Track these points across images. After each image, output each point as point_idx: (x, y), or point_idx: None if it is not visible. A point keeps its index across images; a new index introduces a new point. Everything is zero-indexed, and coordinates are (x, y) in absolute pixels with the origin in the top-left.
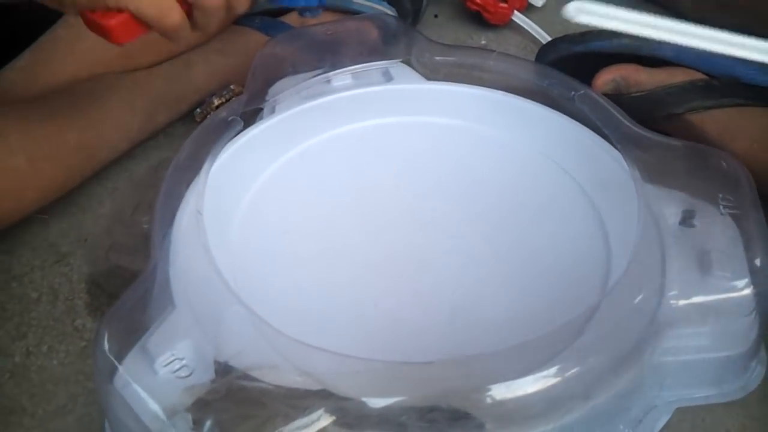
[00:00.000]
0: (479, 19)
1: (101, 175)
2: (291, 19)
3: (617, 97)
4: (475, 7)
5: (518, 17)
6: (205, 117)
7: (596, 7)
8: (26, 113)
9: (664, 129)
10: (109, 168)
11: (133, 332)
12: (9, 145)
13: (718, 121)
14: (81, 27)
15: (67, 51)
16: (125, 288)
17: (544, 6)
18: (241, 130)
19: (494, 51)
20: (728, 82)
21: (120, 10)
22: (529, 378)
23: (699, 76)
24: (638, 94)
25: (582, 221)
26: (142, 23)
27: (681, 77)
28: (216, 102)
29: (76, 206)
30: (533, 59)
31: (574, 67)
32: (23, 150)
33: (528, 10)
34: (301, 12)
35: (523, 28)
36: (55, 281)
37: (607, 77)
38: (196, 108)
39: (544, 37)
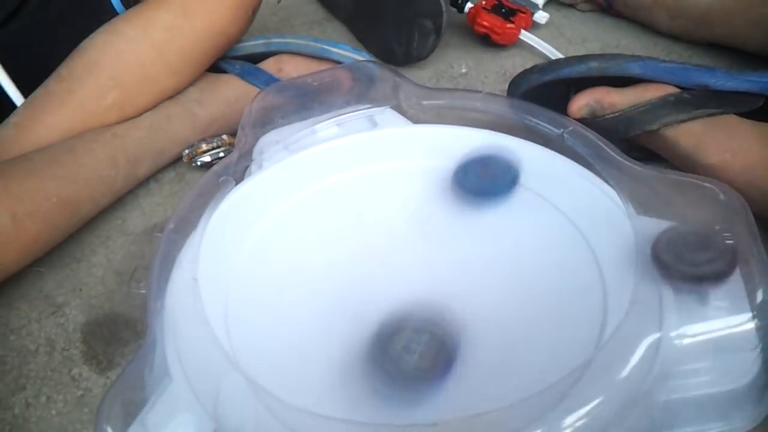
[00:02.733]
0: (458, 47)
1: (93, 225)
2: (269, 65)
3: (593, 121)
4: (483, 30)
5: (526, 36)
6: (192, 159)
7: None
8: (8, 171)
9: (642, 147)
10: (99, 217)
11: (131, 408)
12: None
13: (692, 133)
14: (73, 80)
15: (60, 105)
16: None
17: (547, 23)
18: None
19: (480, 92)
20: (699, 92)
21: None
22: None
23: (670, 90)
24: (612, 116)
25: (577, 259)
26: None
27: (653, 93)
28: (204, 147)
29: (70, 257)
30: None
31: (547, 95)
32: (6, 208)
33: (533, 28)
34: None
35: (532, 46)
36: (51, 332)
37: (581, 102)
38: (184, 149)
39: (553, 53)
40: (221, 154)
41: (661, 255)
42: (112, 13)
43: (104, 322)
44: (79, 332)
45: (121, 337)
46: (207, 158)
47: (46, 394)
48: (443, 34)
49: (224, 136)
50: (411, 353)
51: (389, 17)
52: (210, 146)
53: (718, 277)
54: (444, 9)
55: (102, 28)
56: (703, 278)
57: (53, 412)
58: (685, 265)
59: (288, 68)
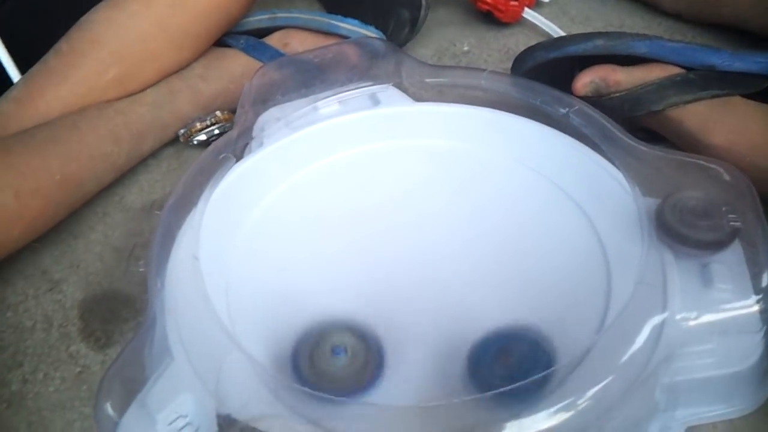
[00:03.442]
0: (460, 25)
1: (91, 201)
2: (274, 39)
3: (597, 100)
4: (486, 7)
5: (529, 14)
6: (188, 138)
7: None
8: (10, 147)
9: (645, 127)
10: (97, 193)
11: (132, 386)
12: None
13: (697, 114)
14: (74, 55)
15: (61, 80)
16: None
17: (551, 1)
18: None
19: (485, 70)
20: (705, 73)
21: None
22: (542, 414)
23: (676, 70)
24: (617, 95)
25: (581, 239)
26: None
27: (658, 73)
28: (198, 125)
29: (67, 233)
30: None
31: (551, 73)
32: (9, 185)
33: (537, 6)
34: None
35: (535, 24)
36: (48, 309)
37: (586, 80)
38: (181, 129)
39: (556, 32)
40: (216, 131)
41: (666, 218)
42: None
43: (102, 299)
44: (76, 309)
45: (119, 315)
46: (203, 136)
47: (43, 370)
48: (419, 27)
49: (218, 113)
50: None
51: (368, 1)
52: (204, 124)
53: (720, 244)
54: (423, 3)
55: (103, 3)
56: (705, 244)
57: (51, 388)
58: (688, 229)
59: (294, 43)
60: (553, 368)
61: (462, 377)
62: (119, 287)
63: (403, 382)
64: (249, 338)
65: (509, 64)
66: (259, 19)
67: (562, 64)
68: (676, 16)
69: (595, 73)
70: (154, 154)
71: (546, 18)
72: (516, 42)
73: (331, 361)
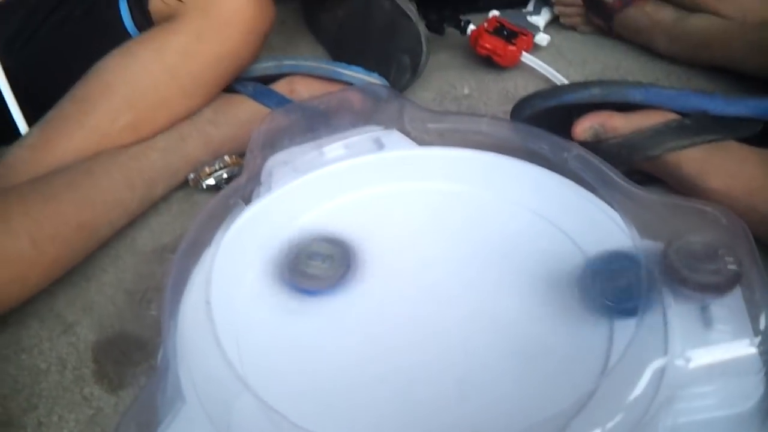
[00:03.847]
0: (460, 69)
1: (101, 245)
2: (281, 86)
3: (596, 145)
4: (485, 52)
5: (527, 58)
6: (198, 183)
7: None
8: (27, 194)
9: (644, 171)
10: None
11: (146, 430)
12: (11, 228)
13: (694, 158)
14: (87, 102)
15: (75, 127)
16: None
17: (548, 45)
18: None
19: (485, 116)
20: (699, 118)
21: None
22: None
23: (672, 116)
24: (615, 140)
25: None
26: None
27: (655, 119)
28: (207, 170)
29: (80, 275)
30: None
31: (549, 118)
32: (26, 232)
33: (534, 49)
34: None
35: (533, 68)
36: (63, 351)
37: (585, 125)
38: (190, 174)
39: (554, 75)
40: (224, 175)
41: (671, 261)
42: (126, 36)
43: (115, 341)
44: (90, 351)
45: (131, 357)
46: (212, 181)
47: (57, 413)
48: (420, 72)
49: (226, 157)
50: None
51: (371, 47)
52: (212, 169)
53: (725, 287)
54: (424, 50)
55: (116, 51)
56: (711, 287)
57: (65, 431)
58: (694, 273)
59: (300, 89)
60: None
61: None
62: (131, 330)
63: None
64: (259, 381)
65: (508, 107)
66: (266, 67)
67: (558, 111)
68: (672, 59)
69: (594, 118)
70: (165, 197)
71: (543, 61)
72: (515, 85)
73: None
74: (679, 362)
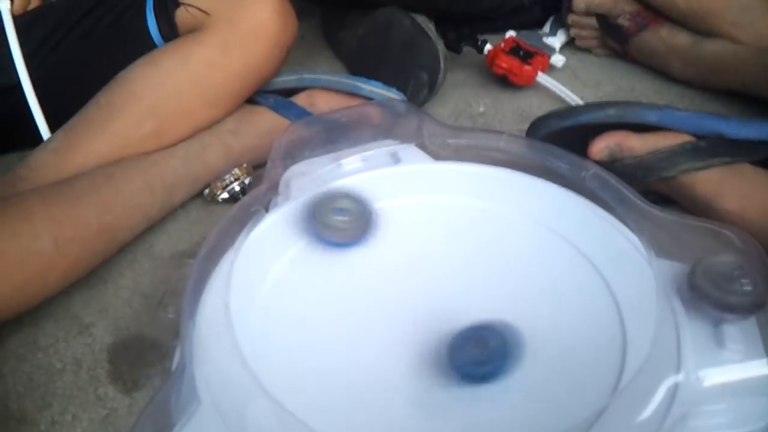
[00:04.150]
0: (476, 87)
1: (120, 249)
2: (301, 99)
3: (611, 165)
4: (501, 71)
5: (543, 77)
6: (213, 197)
7: None
8: (50, 196)
9: (658, 191)
10: None
11: (161, 429)
12: (35, 228)
13: (709, 180)
14: (112, 108)
15: (99, 132)
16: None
17: (564, 66)
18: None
19: (503, 132)
20: (714, 140)
21: None
22: None
23: (687, 138)
24: (631, 161)
25: (596, 299)
26: None
27: (670, 140)
28: (219, 185)
29: (97, 277)
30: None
31: (566, 139)
32: (48, 233)
33: (550, 70)
34: None
35: (548, 88)
36: (78, 352)
37: (602, 145)
38: (204, 189)
39: (569, 95)
40: (236, 188)
41: (698, 282)
42: (152, 46)
43: (131, 343)
44: (105, 352)
45: (146, 359)
46: (226, 195)
47: (71, 412)
48: (437, 89)
49: (236, 170)
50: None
51: (389, 63)
52: (224, 183)
53: (748, 309)
54: (442, 67)
55: (142, 60)
56: (734, 308)
57: (78, 430)
58: (720, 293)
59: (320, 103)
60: None
61: None
62: (147, 332)
63: None
64: (276, 385)
65: (523, 126)
66: (287, 80)
67: (574, 130)
68: (686, 83)
69: (611, 138)
70: (183, 204)
71: (558, 82)
72: (530, 104)
73: None
74: (693, 380)
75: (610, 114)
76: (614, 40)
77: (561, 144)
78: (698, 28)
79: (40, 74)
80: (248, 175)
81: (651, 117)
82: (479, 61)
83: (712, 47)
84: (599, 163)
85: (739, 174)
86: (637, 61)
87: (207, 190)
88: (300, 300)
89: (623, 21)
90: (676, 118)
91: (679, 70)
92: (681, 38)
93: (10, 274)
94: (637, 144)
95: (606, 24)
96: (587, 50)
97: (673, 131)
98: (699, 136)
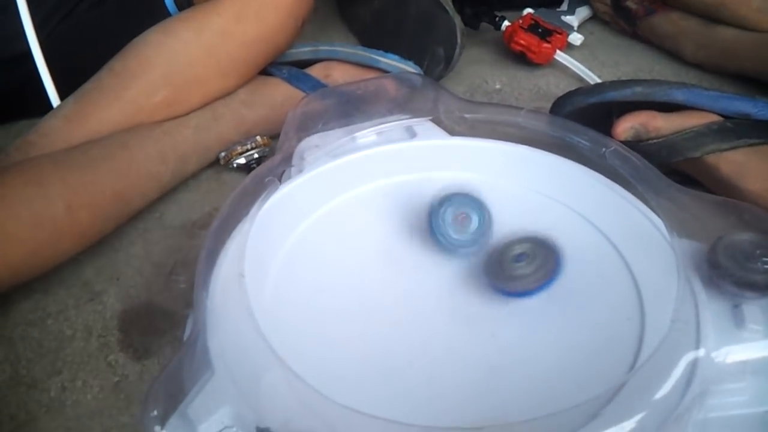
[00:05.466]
0: (493, 64)
1: (132, 216)
2: (317, 71)
3: (636, 144)
4: (519, 48)
5: (561, 56)
6: (229, 161)
7: None
8: (63, 162)
9: (682, 170)
10: None
11: (175, 398)
12: (47, 193)
13: (734, 161)
14: (125, 75)
15: (112, 99)
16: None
17: (581, 45)
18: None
19: (522, 108)
20: (741, 121)
21: None
22: None
23: (713, 118)
24: (656, 140)
25: (615, 277)
26: None
27: (696, 120)
28: (239, 149)
29: (108, 246)
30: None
31: (590, 117)
32: (61, 198)
33: (568, 48)
34: None
35: (566, 66)
36: (89, 319)
37: (626, 125)
38: (221, 152)
39: (587, 74)
40: (255, 155)
41: (718, 259)
42: (166, 14)
43: (141, 311)
44: (116, 320)
45: (157, 327)
46: (242, 160)
47: (82, 378)
48: (454, 65)
49: (258, 138)
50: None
51: (405, 38)
52: (244, 148)
53: None
54: (459, 42)
55: (156, 27)
56: (756, 286)
57: (89, 396)
58: (741, 270)
59: (335, 75)
60: None
61: None
62: (158, 301)
63: None
64: (291, 354)
65: (540, 103)
66: (302, 51)
67: (599, 109)
68: (698, 66)
69: (636, 118)
70: (195, 174)
71: (576, 61)
72: (547, 83)
73: None
74: (712, 358)
75: (637, 92)
76: (624, 21)
77: (584, 123)
78: (718, 17)
79: (51, 43)
80: (268, 147)
81: (678, 96)
82: (495, 38)
83: (726, 31)
84: (624, 142)
85: (764, 155)
86: (650, 42)
87: (224, 153)
88: (314, 270)
89: (631, 4)
90: (704, 97)
91: (692, 53)
92: (692, 21)
93: (22, 239)
94: (663, 124)
95: (617, 4)
96: (605, 30)
97: (699, 111)
98: (726, 116)
